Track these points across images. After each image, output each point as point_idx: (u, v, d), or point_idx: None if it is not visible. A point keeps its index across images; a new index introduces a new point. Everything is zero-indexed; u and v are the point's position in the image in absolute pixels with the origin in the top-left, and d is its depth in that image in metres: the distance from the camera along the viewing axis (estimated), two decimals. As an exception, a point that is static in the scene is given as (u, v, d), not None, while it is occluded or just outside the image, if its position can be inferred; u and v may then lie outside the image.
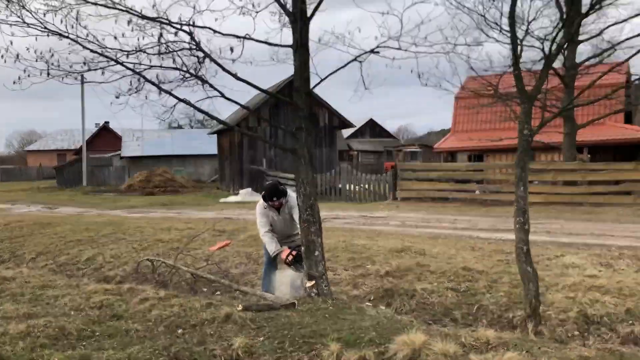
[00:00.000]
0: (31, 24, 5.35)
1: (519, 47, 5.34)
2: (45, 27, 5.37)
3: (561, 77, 16.40)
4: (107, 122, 59.15)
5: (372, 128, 56.93)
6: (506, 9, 5.27)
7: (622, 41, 15.78)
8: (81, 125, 40.33)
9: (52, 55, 5.13)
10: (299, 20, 5.43)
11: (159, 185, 31.80)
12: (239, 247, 10.14)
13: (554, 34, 5.22)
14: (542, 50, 8.28)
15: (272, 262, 6.91)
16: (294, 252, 6.50)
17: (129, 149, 41.19)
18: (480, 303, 6.70)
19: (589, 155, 20.50)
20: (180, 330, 5.02)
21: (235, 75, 5.63)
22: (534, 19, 8.17)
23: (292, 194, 6.47)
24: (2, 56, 4.92)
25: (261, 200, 6.69)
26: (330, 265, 8.38)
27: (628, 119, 25.43)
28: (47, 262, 10.56)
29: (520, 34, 6.03)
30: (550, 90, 16.31)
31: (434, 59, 5.86)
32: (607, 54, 15.02)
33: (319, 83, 5.84)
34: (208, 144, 39.52)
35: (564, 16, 15.82)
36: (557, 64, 17.46)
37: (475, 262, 8.39)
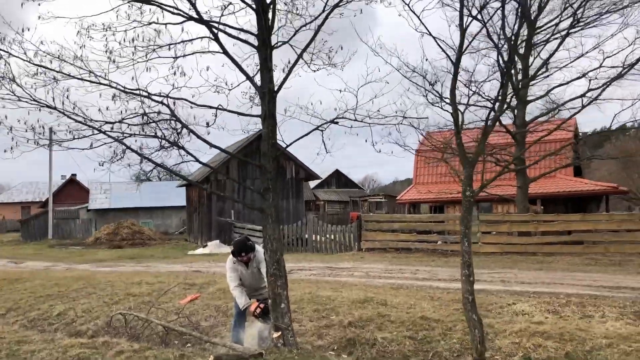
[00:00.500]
0: (21, 97, 5.89)
1: (460, 117, 6.08)
2: (35, 100, 5.91)
3: (512, 134, 17.48)
4: (74, 175, 58.75)
5: (338, 178, 57.99)
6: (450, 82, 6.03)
7: (566, 102, 17.14)
8: (47, 178, 40.09)
9: (42, 126, 5.65)
10: (267, 95, 6.11)
11: (127, 237, 31.74)
12: (208, 300, 10.49)
13: (489, 109, 5.98)
14: (493, 109, 9.21)
15: (241, 315, 7.34)
16: (261, 305, 6.94)
17: (97, 201, 41.04)
18: (435, 350, 7.24)
19: (541, 207, 21.58)
20: (155, 382, 5.41)
21: (208, 143, 6.23)
22: (483, 82, 9.07)
23: (259, 248, 6.96)
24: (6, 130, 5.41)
25: (230, 256, 7.16)
26: (295, 316, 8.84)
27: (578, 172, 26.87)
28: (17, 317, 10.67)
29: (464, 98, 6.84)
30: (503, 146, 17.45)
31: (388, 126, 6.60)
32: (553, 114, 16.20)
33: (284, 149, 6.46)
34: (175, 196, 39.76)
35: (505, 81, 17.08)
36: (509, 121, 18.69)
37: (432, 312, 8.96)
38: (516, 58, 18.51)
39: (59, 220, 40.21)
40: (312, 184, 51.42)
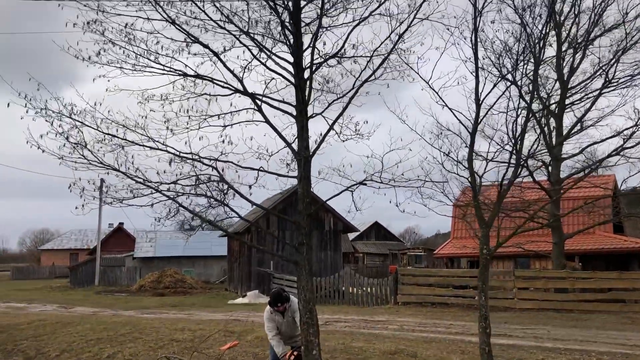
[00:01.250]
0: (92, 161, 6.82)
1: (477, 181, 6.69)
2: (102, 164, 6.83)
3: (546, 191, 17.77)
4: (121, 223, 60.90)
5: (378, 231, 58.25)
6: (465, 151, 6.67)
7: (601, 160, 17.41)
8: (94, 226, 41.86)
9: (108, 187, 6.55)
10: (303, 160, 6.88)
11: (169, 286, 32.69)
12: (246, 347, 11.08)
13: (502, 172, 6.57)
14: (526, 166, 9.65)
15: None
16: (295, 353, 7.49)
17: (142, 250, 42.48)
18: (458, 399, 7.61)
19: (580, 264, 21.49)
20: (198, 415, 6.00)
21: (251, 202, 7.02)
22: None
23: (294, 299, 7.56)
24: (78, 189, 6.31)
25: (268, 306, 7.78)
26: (329, 364, 9.34)
27: (619, 229, 26.61)
28: (70, 359, 11.47)
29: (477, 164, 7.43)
30: (537, 202, 17.71)
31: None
32: (586, 173, 16.50)
33: (317, 207, 7.17)
34: (217, 246, 40.86)
35: (542, 138, 17.50)
36: (543, 177, 18.99)
37: (460, 363, 9.31)
38: (550, 117, 19.02)
39: (105, 268, 41.68)
40: (351, 236, 51.83)
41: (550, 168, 18.52)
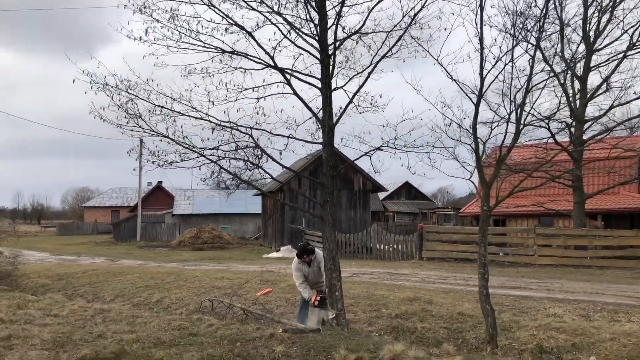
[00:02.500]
0: (145, 129, 7.92)
1: (481, 147, 7.54)
2: (154, 131, 7.93)
3: (569, 152, 18.33)
4: (160, 182, 63.11)
5: (408, 190, 59.04)
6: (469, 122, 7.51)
7: (622, 121, 17.82)
8: (134, 184, 43.81)
9: (159, 151, 7.66)
10: (327, 128, 7.85)
11: (207, 241, 34.41)
12: (279, 293, 12.33)
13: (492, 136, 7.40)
14: (548, 128, 10.33)
15: (305, 305, 9.06)
16: (318, 297, 8.59)
17: (180, 207, 44.37)
18: (464, 338, 8.70)
19: (602, 222, 22.07)
20: (238, 343, 7.19)
21: (282, 165, 8.06)
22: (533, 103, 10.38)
23: (318, 251, 8.64)
24: (136, 153, 7.44)
25: (296, 258, 8.87)
26: (352, 308, 10.51)
27: (647, 188, 26.89)
28: (124, 302, 12.93)
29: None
30: (558, 163, 18.31)
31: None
32: (603, 134, 17.00)
33: (340, 169, 8.15)
34: (252, 204, 42.44)
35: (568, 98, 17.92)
36: (566, 138, 19.48)
37: (471, 310, 10.32)
38: (574, 79, 19.39)
39: (146, 224, 43.77)
40: (382, 195, 52.78)
41: (573, 129, 19.01)
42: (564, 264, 18.37)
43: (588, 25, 18.90)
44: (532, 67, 7.20)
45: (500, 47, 6.91)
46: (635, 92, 17.00)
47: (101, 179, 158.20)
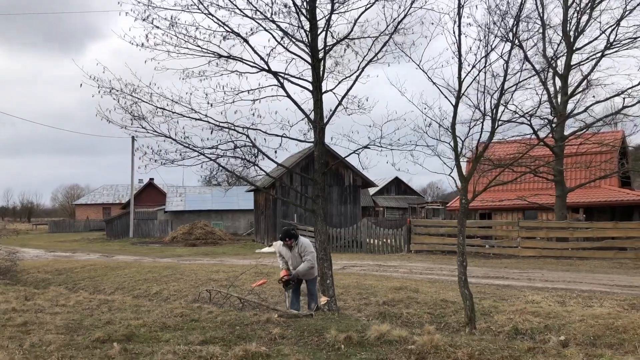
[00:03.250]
0: (148, 130, 8.49)
1: (460, 145, 8.18)
2: (157, 132, 8.50)
3: (550, 147, 19.07)
4: (152, 179, 63.42)
5: (398, 186, 59.82)
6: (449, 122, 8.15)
7: (601, 118, 18.57)
8: (125, 181, 44.21)
9: (164, 152, 8.24)
10: (318, 127, 8.46)
11: (200, 237, 34.93)
12: (273, 284, 12.87)
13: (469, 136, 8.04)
14: (530, 124, 11.04)
15: (296, 288, 9.62)
16: (284, 278, 9.21)
17: (173, 204, 44.84)
18: (446, 322, 9.36)
19: (584, 215, 22.87)
20: (237, 327, 7.80)
21: (276, 162, 8.65)
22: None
23: (304, 240, 9.15)
24: (141, 154, 8.02)
25: (279, 240, 9.41)
26: (342, 297, 11.14)
27: (627, 184, 27.74)
28: (124, 295, 13.47)
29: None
30: (541, 158, 19.07)
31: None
32: (582, 130, 17.76)
33: (329, 168, 8.76)
34: (244, 200, 43.01)
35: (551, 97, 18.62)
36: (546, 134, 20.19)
37: (454, 298, 10.98)
38: (555, 77, 20.12)
39: (139, 221, 44.20)
40: (372, 190, 53.49)
41: (554, 126, 19.73)
42: (546, 255, 19.13)
43: (568, 25, 19.62)
44: (505, 71, 7.82)
45: (476, 54, 7.52)
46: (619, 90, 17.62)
47: (91, 176, 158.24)
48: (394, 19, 7.82)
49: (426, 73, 7.75)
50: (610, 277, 14.80)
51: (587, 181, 20.02)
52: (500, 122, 10.65)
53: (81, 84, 8.39)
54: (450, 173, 8.49)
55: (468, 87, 7.91)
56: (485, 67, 7.48)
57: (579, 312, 9.32)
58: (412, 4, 7.67)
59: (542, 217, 24.28)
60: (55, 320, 8.10)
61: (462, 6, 7.68)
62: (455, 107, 7.86)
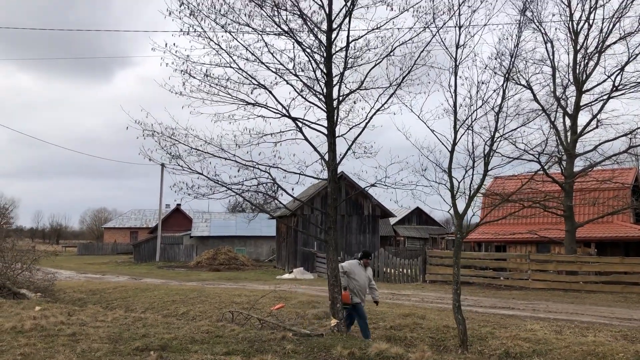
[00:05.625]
0: (184, 167, 9.75)
1: (455, 187, 9.24)
2: (191, 169, 9.76)
3: (560, 184, 19.92)
4: (178, 205, 65.25)
5: (419, 216, 60.54)
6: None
7: (609, 157, 19.41)
8: (152, 206, 45.92)
9: (197, 187, 9.48)
10: (331, 167, 9.63)
11: (224, 262, 36.17)
12: (291, 308, 13.99)
13: (469, 181, 9.10)
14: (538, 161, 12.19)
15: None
16: (348, 306, 10.14)
17: (198, 229, 46.32)
18: (445, 345, 10.30)
19: (595, 250, 23.49)
20: (256, 343, 8.88)
21: (294, 197, 9.83)
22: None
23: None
24: (176, 189, 9.27)
25: (355, 260, 10.49)
26: (354, 321, 12.13)
27: (640, 219, 28.36)
28: (154, 314, 14.66)
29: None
30: (551, 193, 19.90)
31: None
32: (587, 169, 18.63)
33: (349, 197, 9.90)
34: (266, 227, 44.26)
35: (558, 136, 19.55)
36: (557, 170, 21.09)
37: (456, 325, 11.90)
38: (566, 117, 21.06)
39: (165, 245, 45.73)
40: (393, 220, 54.31)
41: (564, 163, 20.61)
42: (555, 288, 19.81)
43: (578, 67, 20.63)
44: (496, 122, 8.88)
45: (469, 107, 8.63)
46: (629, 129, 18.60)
47: (118, 199, 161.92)
48: (396, 78, 9.05)
49: (425, 123, 8.88)
50: (612, 309, 15.48)
51: (596, 217, 20.76)
52: (509, 160, 11.77)
53: (127, 127, 9.70)
54: (449, 210, 9.53)
55: (460, 138, 8.99)
56: (472, 124, 8.57)
57: (569, 339, 10.17)
58: (411, 68, 8.91)
59: (554, 250, 24.94)
60: (98, 332, 9.29)
61: (457, 66, 8.84)
62: (451, 153, 8.95)
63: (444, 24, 9.25)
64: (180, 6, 9.73)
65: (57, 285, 19.46)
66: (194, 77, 10.10)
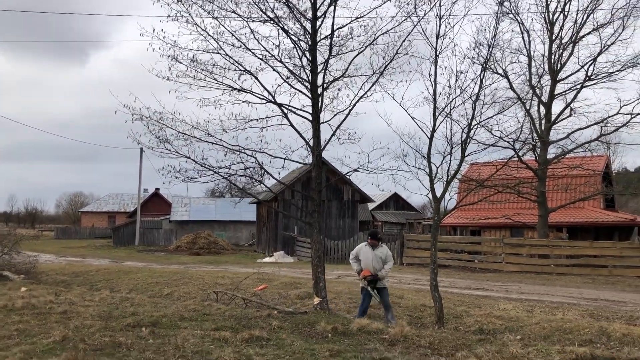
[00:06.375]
0: (171, 151, 10.01)
1: (434, 172, 9.66)
2: (179, 153, 10.02)
3: (534, 170, 20.57)
4: (157, 189, 65.08)
5: (396, 201, 61.34)
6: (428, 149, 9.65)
7: (581, 144, 20.08)
8: (129, 190, 45.80)
9: (184, 170, 9.75)
10: (315, 152, 9.99)
11: (204, 246, 36.39)
12: (273, 289, 14.38)
13: (448, 169, 9.53)
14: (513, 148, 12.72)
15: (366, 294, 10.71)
16: (367, 278, 10.10)
17: (177, 214, 46.38)
18: (422, 322, 10.80)
19: (567, 234, 24.32)
20: (243, 320, 9.26)
21: (280, 181, 10.17)
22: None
23: (387, 249, 10.30)
24: (164, 172, 9.54)
25: (365, 242, 10.39)
26: (335, 301, 12.59)
27: (611, 205, 29.26)
28: (138, 294, 14.92)
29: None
30: (525, 179, 20.53)
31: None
32: (559, 156, 19.31)
33: (329, 183, 10.26)
34: (246, 212, 44.51)
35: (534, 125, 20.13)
36: (531, 157, 21.74)
37: (433, 303, 12.41)
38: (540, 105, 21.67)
39: (144, 229, 45.72)
40: (371, 205, 54.96)
41: (538, 150, 21.27)
42: (527, 271, 20.54)
43: (553, 57, 21.22)
44: (474, 110, 9.30)
45: (448, 96, 9.04)
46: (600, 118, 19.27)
47: (95, 183, 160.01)
48: (379, 67, 9.41)
49: (406, 110, 9.28)
50: (581, 290, 16.21)
51: (567, 203, 21.51)
52: (485, 146, 12.25)
53: (115, 112, 9.91)
54: (428, 194, 9.97)
55: (439, 124, 9.40)
56: (451, 111, 8.99)
57: (539, 317, 10.74)
58: (393, 57, 9.29)
59: (528, 234, 25.72)
60: (88, 310, 9.57)
61: (438, 55, 9.22)
62: (430, 139, 9.37)
63: (425, 14, 9.61)
64: (168, -8, 9.93)
65: (38, 268, 19.54)
66: (181, 63, 10.32)
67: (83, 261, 27.74)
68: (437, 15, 9.30)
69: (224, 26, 10.18)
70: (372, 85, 9.71)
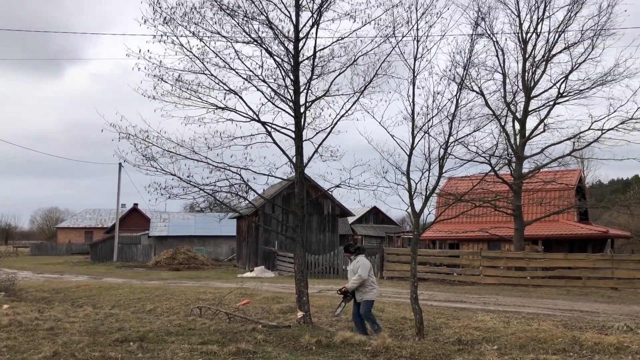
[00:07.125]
0: (157, 168, 10.21)
1: (413, 188, 10.01)
2: (164, 170, 10.22)
3: (509, 185, 21.11)
4: (136, 204, 64.61)
5: (376, 215, 61.80)
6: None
7: (555, 159, 20.67)
8: (107, 205, 45.56)
9: (170, 188, 9.95)
10: (299, 169, 10.27)
11: (183, 262, 36.27)
12: (256, 304, 14.55)
13: (427, 182, 9.88)
14: (489, 163, 13.15)
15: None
16: (342, 289, 10.53)
17: (156, 229, 46.14)
18: (403, 334, 11.08)
19: (542, 247, 24.91)
20: (228, 334, 9.44)
21: (263, 197, 10.42)
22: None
23: (363, 259, 10.38)
24: (151, 190, 9.72)
25: None
26: (317, 315, 12.81)
27: (585, 218, 30.04)
28: (122, 310, 14.96)
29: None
30: (501, 193, 21.05)
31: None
32: (533, 171, 19.89)
33: (312, 199, 10.55)
34: (225, 227, 44.38)
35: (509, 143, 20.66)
36: (507, 171, 22.31)
37: (413, 316, 12.70)
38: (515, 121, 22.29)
39: (123, 245, 45.38)
40: (351, 219, 55.31)
41: (513, 165, 21.85)
42: (505, 283, 21.00)
43: (527, 75, 21.90)
44: (450, 128, 9.67)
45: (426, 115, 9.42)
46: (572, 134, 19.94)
47: (70, 199, 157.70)
48: (360, 87, 9.79)
49: (386, 129, 9.63)
50: (556, 302, 16.67)
51: (542, 216, 22.08)
52: (462, 162, 12.67)
53: (102, 130, 10.09)
54: (407, 209, 10.30)
55: (417, 143, 9.76)
56: (428, 129, 9.37)
57: (516, 328, 11.11)
58: (372, 78, 9.68)
59: (505, 247, 26.28)
60: (74, 326, 9.66)
61: (415, 77, 9.61)
62: (409, 156, 9.73)
63: (403, 36, 10.02)
64: (154, 14, 10.19)
65: (17, 285, 19.40)
66: (166, 82, 10.58)
67: (61, 278, 27.51)
68: (414, 38, 9.71)
69: (208, 46, 10.47)
70: (353, 105, 10.08)
